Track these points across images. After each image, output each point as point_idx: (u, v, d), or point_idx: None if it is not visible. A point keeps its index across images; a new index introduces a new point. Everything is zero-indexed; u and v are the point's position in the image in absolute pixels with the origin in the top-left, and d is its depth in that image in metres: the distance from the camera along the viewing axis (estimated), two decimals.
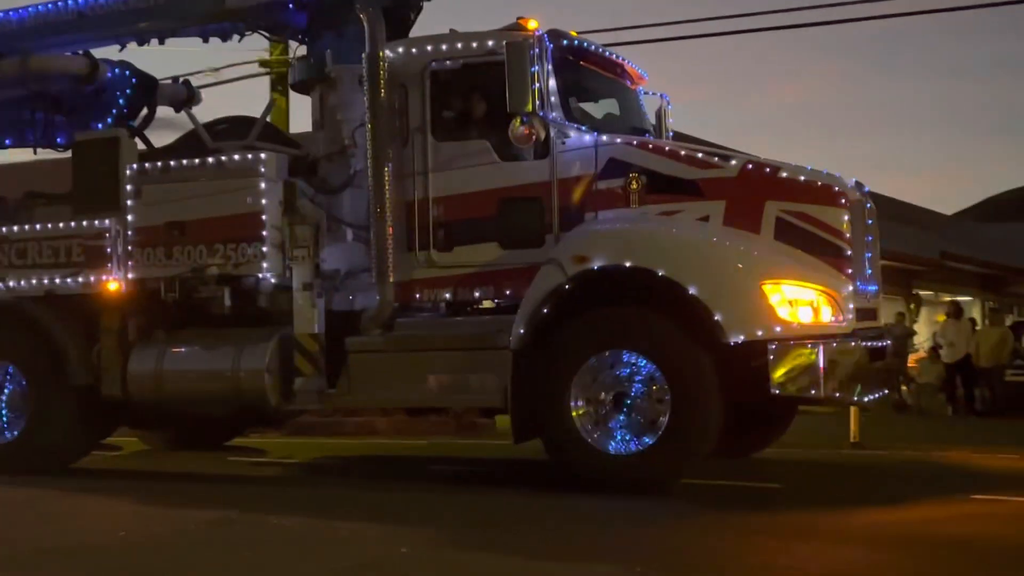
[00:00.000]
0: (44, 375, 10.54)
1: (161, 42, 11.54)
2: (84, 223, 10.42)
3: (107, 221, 10.33)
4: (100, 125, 11.77)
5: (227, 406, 10.29)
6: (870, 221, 9.18)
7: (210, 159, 10.05)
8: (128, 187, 10.27)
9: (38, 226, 10.67)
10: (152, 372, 10.21)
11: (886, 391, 9.65)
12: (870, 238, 9.10)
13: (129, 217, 10.25)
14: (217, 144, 10.66)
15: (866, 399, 8.61)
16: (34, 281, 10.57)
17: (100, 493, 9.46)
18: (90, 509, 8.77)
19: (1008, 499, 8.34)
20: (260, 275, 9.85)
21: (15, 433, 10.66)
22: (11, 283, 10.66)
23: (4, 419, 10.75)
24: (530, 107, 8.75)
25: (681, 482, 8.55)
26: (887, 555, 6.44)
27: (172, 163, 10.17)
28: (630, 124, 10.11)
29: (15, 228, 10.76)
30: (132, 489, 9.67)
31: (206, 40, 11.41)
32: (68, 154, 12.37)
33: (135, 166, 10.28)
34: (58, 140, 12.20)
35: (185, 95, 12.70)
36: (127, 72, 11.95)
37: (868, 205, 9.18)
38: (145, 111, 12.22)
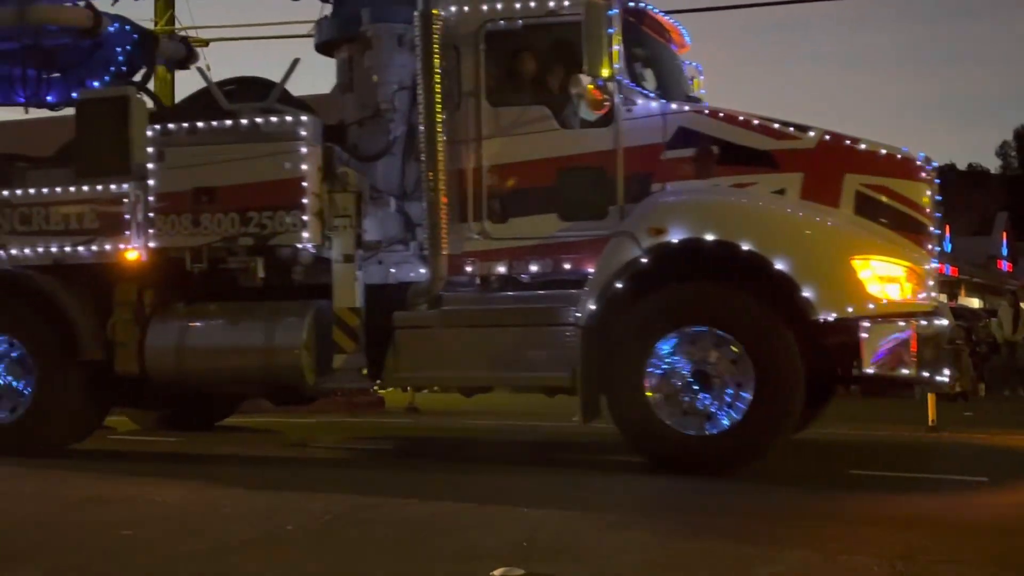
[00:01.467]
0: (50, 350, 9.79)
1: None
2: (99, 187, 9.67)
3: (125, 186, 9.61)
4: (96, 83, 11.01)
5: (257, 384, 9.71)
6: (939, 197, 9.00)
7: (244, 121, 9.39)
8: (149, 150, 9.55)
9: (45, 190, 9.88)
10: (173, 347, 9.56)
11: (960, 372, 9.51)
12: (939, 215, 8.92)
13: (150, 182, 9.54)
14: (234, 106, 10.01)
15: (948, 380, 8.44)
16: (40, 249, 9.78)
17: (182, 479, 8.42)
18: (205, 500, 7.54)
19: None
20: (298, 245, 9.26)
21: (16, 412, 9.89)
22: (14, 251, 9.86)
23: (5, 396, 9.97)
24: (609, 71, 8.34)
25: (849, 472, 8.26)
26: None
27: (201, 125, 9.48)
28: (682, 91, 9.76)
29: (18, 192, 9.94)
30: (227, 476, 8.53)
31: None
32: (58, 113, 11.75)
33: (158, 127, 9.56)
34: (49, 98, 11.35)
35: (184, 53, 12.00)
36: (127, 27, 11.18)
37: (937, 181, 9.00)
38: (144, 69, 11.50)
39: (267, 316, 9.41)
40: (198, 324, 9.61)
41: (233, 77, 10.73)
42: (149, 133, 9.55)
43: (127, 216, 9.57)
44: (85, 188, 9.72)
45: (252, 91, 10.40)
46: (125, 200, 9.58)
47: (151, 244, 9.54)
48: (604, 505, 7.18)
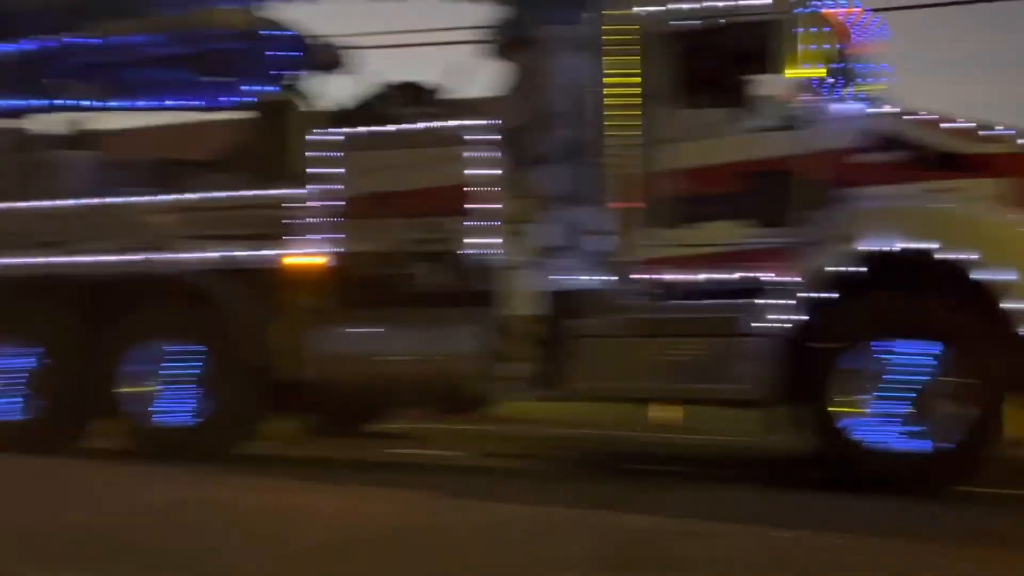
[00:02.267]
0: (222, 354, 9.73)
1: None
2: (267, 192, 9.59)
3: (294, 190, 9.52)
4: (251, 87, 10.96)
5: (423, 391, 9.54)
6: None
7: (414, 126, 9.26)
8: (316, 155, 9.46)
9: (214, 194, 9.83)
10: (337, 353, 9.43)
11: None
12: None
13: (322, 186, 9.44)
14: (394, 110, 9.89)
15: None
16: (212, 253, 9.73)
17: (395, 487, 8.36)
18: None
19: None
20: (468, 251, 9.09)
21: (190, 417, 9.87)
22: (185, 255, 9.82)
23: (176, 401, 9.95)
24: (800, 72, 8.04)
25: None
26: None
27: (370, 130, 9.36)
28: (868, 93, 9.37)
29: (188, 196, 9.92)
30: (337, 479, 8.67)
31: None
32: (208, 117, 11.77)
33: (326, 132, 9.46)
34: (202, 102, 11.33)
35: (336, 58, 11.91)
36: (282, 32, 11.11)
37: None
38: (295, 73, 11.42)
39: (434, 323, 9.23)
40: (364, 330, 9.45)
41: (392, 82, 10.63)
42: (318, 138, 9.46)
43: (296, 221, 9.48)
44: (254, 192, 9.65)
45: (412, 96, 10.31)
46: (294, 205, 9.49)
47: (322, 249, 9.44)
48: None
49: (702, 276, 8.65)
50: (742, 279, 8.54)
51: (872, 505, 7.42)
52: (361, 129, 9.41)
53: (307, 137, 9.55)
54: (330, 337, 9.47)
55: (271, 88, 10.75)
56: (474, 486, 8.37)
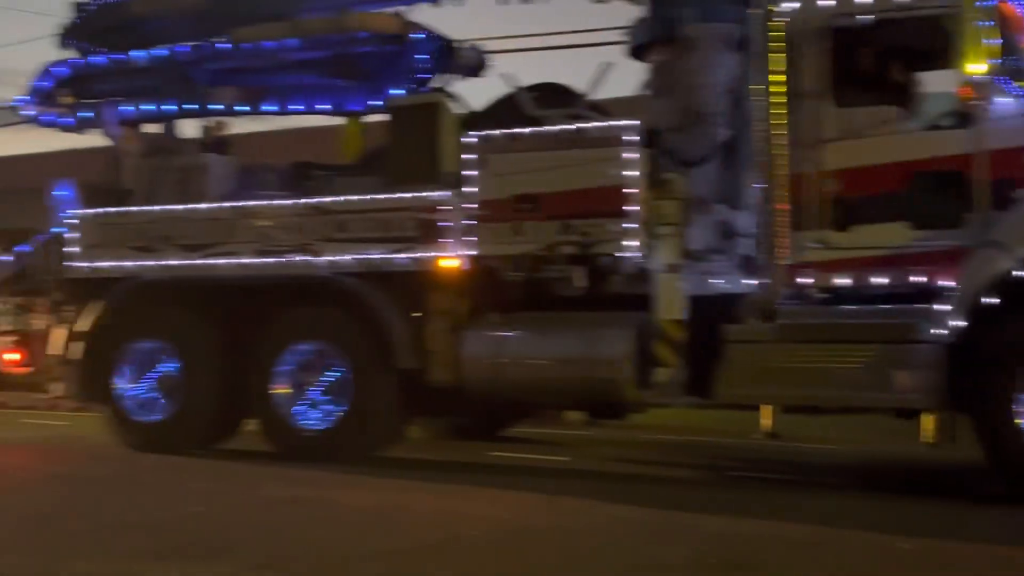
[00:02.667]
0: (365, 357, 9.76)
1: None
2: (417, 194, 9.59)
3: (444, 192, 9.50)
4: (396, 91, 11.00)
5: (574, 396, 9.42)
6: None
7: (568, 127, 9.17)
8: (469, 156, 9.44)
9: (361, 196, 9.88)
10: (491, 357, 9.37)
11: None
12: None
13: (470, 188, 9.41)
14: (540, 112, 9.81)
15: None
16: (357, 255, 9.78)
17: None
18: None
19: None
20: (621, 254, 8.94)
21: (330, 419, 9.91)
22: (330, 257, 9.89)
23: (318, 404, 10.03)
24: (979, 68, 7.70)
25: None
26: None
27: (524, 131, 9.30)
28: None
29: (334, 198, 9.97)
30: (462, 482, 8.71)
31: None
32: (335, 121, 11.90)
33: (479, 134, 9.42)
34: (350, 106, 11.42)
35: (478, 60, 11.89)
36: (429, 35, 11.15)
37: None
38: (440, 76, 11.44)
39: (587, 327, 9.12)
40: (516, 334, 9.39)
41: (534, 83, 10.55)
42: (469, 139, 9.43)
43: (446, 223, 9.46)
44: (403, 195, 9.66)
45: (554, 97, 10.21)
46: (444, 207, 9.47)
47: (470, 252, 9.41)
48: None
49: (862, 280, 8.34)
50: (911, 283, 8.20)
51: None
52: (516, 130, 9.36)
53: (461, 139, 9.53)
54: (482, 340, 9.43)
55: (416, 90, 10.82)
56: (588, 489, 8.35)
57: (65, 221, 11.13)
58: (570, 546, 6.41)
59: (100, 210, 10.98)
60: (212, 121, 13.76)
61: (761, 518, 7.19)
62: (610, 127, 9.00)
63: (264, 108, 11.59)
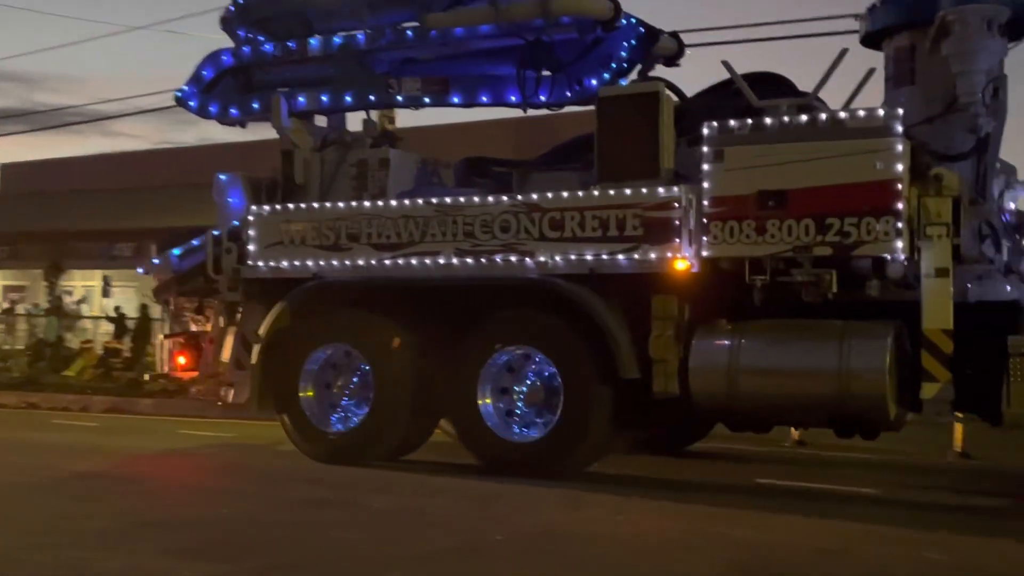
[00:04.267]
0: (582, 365, 8.97)
1: None
2: (642, 191, 8.80)
3: (674, 189, 8.71)
4: (594, 81, 10.23)
5: (822, 412, 8.53)
6: None
7: (822, 117, 8.34)
8: (705, 150, 8.64)
9: (576, 194, 9.10)
10: (725, 367, 8.58)
11: None
12: None
13: (705, 184, 8.62)
14: (766, 103, 8.98)
15: None
16: (573, 257, 8.99)
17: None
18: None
19: None
20: (888, 256, 8.08)
21: (543, 431, 9.15)
22: (542, 259, 9.11)
23: (526, 414, 9.30)
24: None
25: None
26: None
27: (767, 122, 8.49)
28: None
29: (548, 196, 9.20)
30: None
31: None
32: (540, 112, 11.14)
33: (715, 125, 8.62)
34: (543, 97, 10.62)
35: (676, 49, 11.09)
36: (633, 20, 10.35)
37: None
38: (639, 66, 10.64)
39: (838, 336, 8.29)
40: (753, 343, 8.58)
41: (751, 72, 9.74)
42: (708, 131, 8.63)
43: (676, 222, 8.65)
44: (625, 192, 8.87)
45: (771, 88, 9.40)
46: (674, 205, 8.67)
47: (703, 253, 8.60)
48: None
49: None
50: None
51: None
52: (747, 122, 8.55)
53: (671, 132, 8.75)
54: (714, 349, 8.64)
55: (631, 80, 10.07)
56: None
57: (241, 219, 10.48)
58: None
59: (281, 207, 10.32)
60: (382, 113, 13.11)
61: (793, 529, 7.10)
62: (872, 116, 8.16)
63: (450, 100, 10.86)
